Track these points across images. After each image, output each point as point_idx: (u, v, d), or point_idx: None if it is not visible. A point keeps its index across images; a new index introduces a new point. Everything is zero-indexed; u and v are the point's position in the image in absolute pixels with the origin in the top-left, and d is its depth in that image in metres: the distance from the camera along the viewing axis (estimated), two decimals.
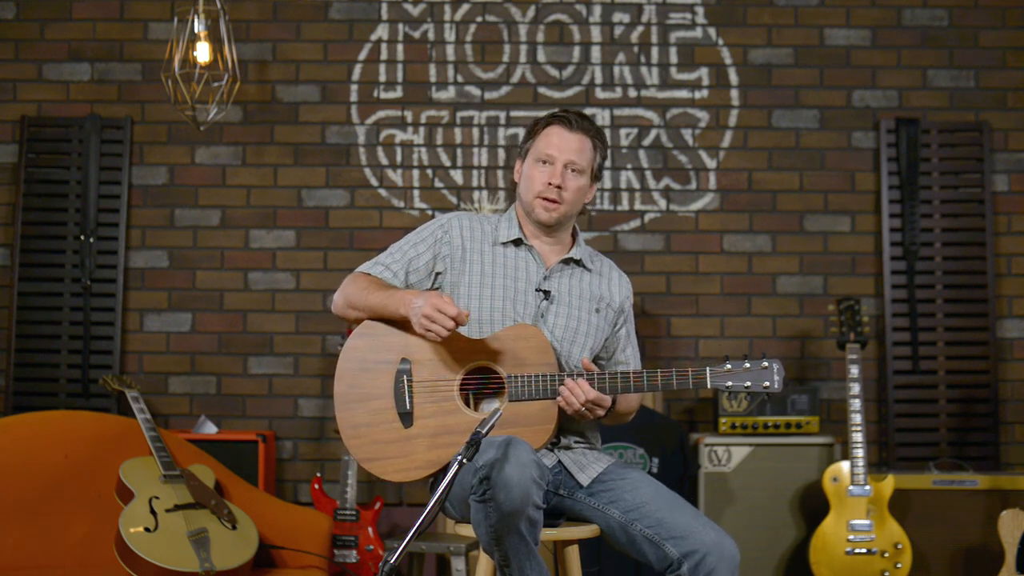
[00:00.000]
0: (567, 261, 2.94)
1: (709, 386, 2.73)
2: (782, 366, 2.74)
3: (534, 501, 2.50)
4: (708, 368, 2.73)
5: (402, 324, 2.81)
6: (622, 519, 2.74)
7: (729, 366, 2.73)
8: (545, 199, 2.87)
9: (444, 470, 2.75)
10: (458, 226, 2.92)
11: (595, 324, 2.92)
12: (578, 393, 2.70)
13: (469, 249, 2.90)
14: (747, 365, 2.73)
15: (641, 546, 2.70)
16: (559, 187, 2.85)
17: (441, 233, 2.91)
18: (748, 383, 2.72)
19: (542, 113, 4.98)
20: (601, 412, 2.75)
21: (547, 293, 2.88)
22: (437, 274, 2.90)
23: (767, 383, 2.72)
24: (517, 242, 2.92)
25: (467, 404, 2.79)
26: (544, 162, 2.88)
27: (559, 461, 2.84)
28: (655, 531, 2.68)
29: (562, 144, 2.87)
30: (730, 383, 2.73)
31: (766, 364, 2.72)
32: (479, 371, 2.80)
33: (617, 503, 2.76)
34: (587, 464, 2.84)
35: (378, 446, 2.80)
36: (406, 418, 2.79)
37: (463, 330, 2.82)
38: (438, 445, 2.76)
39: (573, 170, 2.88)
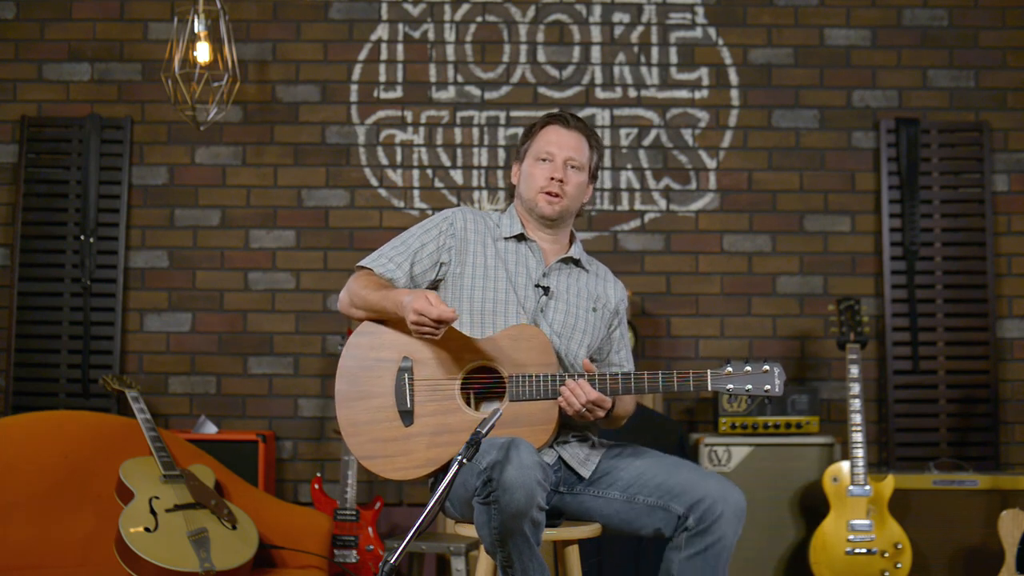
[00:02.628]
0: (566, 260, 2.97)
1: (710, 388, 2.73)
2: (783, 370, 2.73)
3: (538, 503, 2.50)
4: (709, 371, 2.73)
5: (403, 322, 2.82)
6: (623, 497, 2.75)
7: (730, 368, 2.72)
8: (548, 193, 2.91)
9: (444, 469, 2.75)
10: (462, 218, 2.95)
11: (592, 323, 2.94)
12: (579, 394, 2.71)
13: (472, 241, 2.92)
14: (748, 368, 2.72)
15: (646, 518, 2.72)
16: (561, 181, 2.90)
17: (446, 225, 2.94)
18: (749, 386, 2.71)
19: (542, 113, 5.00)
20: (601, 413, 2.76)
21: (547, 289, 2.90)
22: (441, 264, 2.92)
23: (768, 387, 2.71)
24: (519, 237, 2.95)
25: (468, 403, 2.80)
26: (544, 160, 2.92)
27: (559, 457, 2.85)
28: (657, 497, 2.70)
29: (561, 141, 2.93)
30: (731, 386, 2.72)
31: (767, 368, 2.72)
32: (480, 370, 2.81)
33: (616, 484, 2.78)
34: (585, 457, 2.85)
35: (378, 444, 2.80)
36: (406, 416, 2.80)
37: (465, 326, 2.83)
38: (438, 444, 2.76)
39: (573, 166, 2.93)
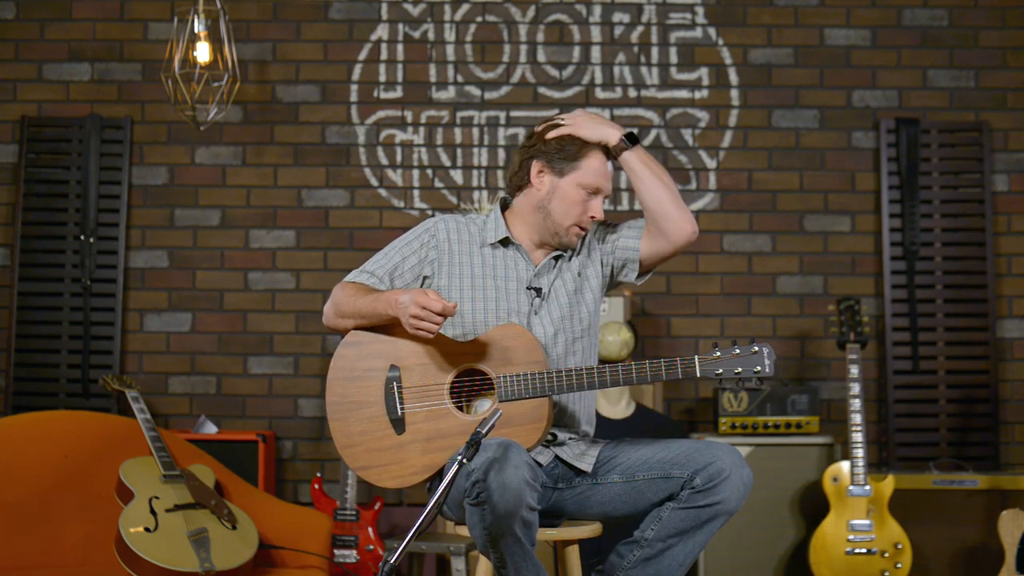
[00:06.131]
0: (556, 256, 2.93)
1: (699, 374, 2.70)
2: (772, 349, 2.71)
3: (528, 503, 2.49)
4: (697, 356, 2.71)
5: (389, 330, 2.80)
6: (622, 479, 2.75)
7: (718, 353, 2.70)
8: (582, 229, 2.87)
9: (440, 474, 2.75)
10: (444, 229, 2.91)
11: (586, 297, 2.90)
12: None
13: (457, 252, 2.89)
14: (737, 351, 2.71)
15: (649, 494, 2.71)
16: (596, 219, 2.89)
17: (428, 237, 2.91)
18: (739, 369, 2.69)
19: (542, 113, 5.02)
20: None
21: (539, 291, 2.87)
22: (424, 278, 2.90)
23: (758, 367, 2.69)
24: (504, 242, 2.91)
25: (459, 407, 2.79)
26: (592, 192, 2.85)
27: (556, 456, 2.84)
28: (657, 470, 2.70)
29: (606, 175, 2.88)
30: (720, 370, 2.70)
31: (756, 349, 2.70)
32: (468, 373, 2.79)
33: (615, 470, 2.78)
34: (583, 453, 2.84)
35: (372, 454, 2.79)
36: (398, 424, 2.78)
37: (456, 332, 2.82)
38: (431, 450, 2.75)
39: (606, 198, 2.92)
